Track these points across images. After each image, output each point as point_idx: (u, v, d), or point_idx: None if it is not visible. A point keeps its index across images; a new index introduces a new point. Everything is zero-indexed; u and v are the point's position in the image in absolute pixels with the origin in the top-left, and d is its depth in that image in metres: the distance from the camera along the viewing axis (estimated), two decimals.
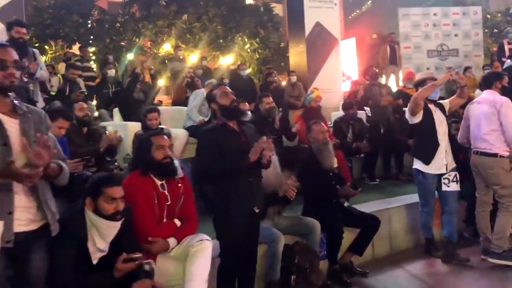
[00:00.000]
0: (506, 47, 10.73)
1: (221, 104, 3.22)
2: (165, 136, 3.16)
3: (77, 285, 2.38)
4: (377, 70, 7.91)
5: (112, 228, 2.53)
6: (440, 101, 4.68)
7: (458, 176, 4.49)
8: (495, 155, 4.40)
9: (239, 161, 3.09)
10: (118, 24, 13.26)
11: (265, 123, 5.47)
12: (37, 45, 11.85)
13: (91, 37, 12.52)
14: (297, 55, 11.73)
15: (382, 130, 6.71)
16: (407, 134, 6.55)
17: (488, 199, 4.64)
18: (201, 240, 2.97)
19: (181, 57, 11.36)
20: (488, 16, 17.91)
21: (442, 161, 4.44)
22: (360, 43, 18.15)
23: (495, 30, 15.94)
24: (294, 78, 9.61)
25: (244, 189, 3.15)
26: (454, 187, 4.49)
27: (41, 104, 5.26)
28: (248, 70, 14.00)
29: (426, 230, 4.76)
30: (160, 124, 5.24)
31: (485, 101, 4.54)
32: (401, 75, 11.36)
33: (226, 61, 15.38)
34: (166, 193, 3.05)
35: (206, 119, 6.02)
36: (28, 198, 2.15)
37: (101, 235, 2.51)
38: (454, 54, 12.75)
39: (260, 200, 3.28)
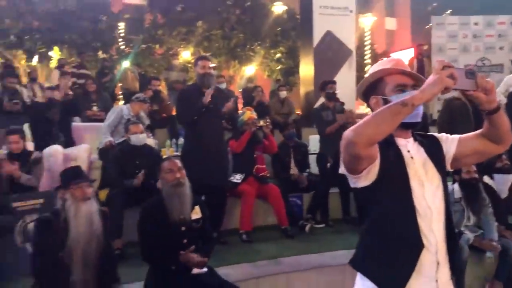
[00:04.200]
0: None
1: None
2: None
3: None
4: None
5: None
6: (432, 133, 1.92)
7: None
8: None
9: None
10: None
11: None
12: (41, 50, 11.80)
13: (98, 44, 12.22)
14: (306, 67, 10.56)
15: (329, 164, 5.41)
16: None
17: None
18: None
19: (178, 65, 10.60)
20: None
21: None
22: None
23: None
24: (283, 94, 8.48)
25: None
26: None
27: None
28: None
29: None
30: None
31: None
32: None
33: (249, 71, 14.61)
34: None
35: (120, 140, 5.14)
36: None
37: None
38: (498, 70, 10.92)
39: None
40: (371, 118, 1.57)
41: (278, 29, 13.97)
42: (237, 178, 5.05)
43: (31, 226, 3.46)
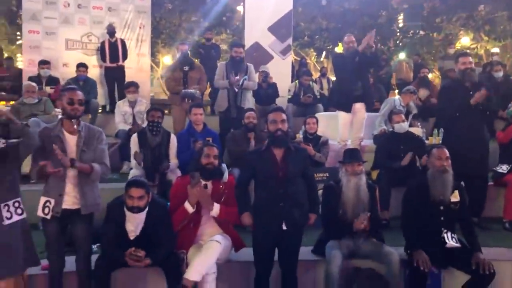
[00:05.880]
0: None
1: (268, 130, 3.51)
2: (214, 148, 3.81)
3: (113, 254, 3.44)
4: None
5: (133, 217, 3.41)
6: None
7: None
8: None
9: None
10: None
11: None
12: (329, 47, 13.55)
13: (378, 37, 13.16)
14: None
15: None
16: None
17: None
18: (212, 240, 3.51)
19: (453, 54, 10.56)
20: None
21: None
22: None
23: None
24: None
25: (271, 203, 3.40)
26: None
27: (249, 105, 6.42)
28: None
29: None
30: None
31: None
32: None
33: None
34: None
35: (390, 128, 5.88)
36: (73, 187, 3.30)
37: (129, 221, 3.46)
38: None
39: (291, 214, 3.41)
40: None
41: None
42: (503, 168, 5.18)
43: (320, 192, 4.58)
